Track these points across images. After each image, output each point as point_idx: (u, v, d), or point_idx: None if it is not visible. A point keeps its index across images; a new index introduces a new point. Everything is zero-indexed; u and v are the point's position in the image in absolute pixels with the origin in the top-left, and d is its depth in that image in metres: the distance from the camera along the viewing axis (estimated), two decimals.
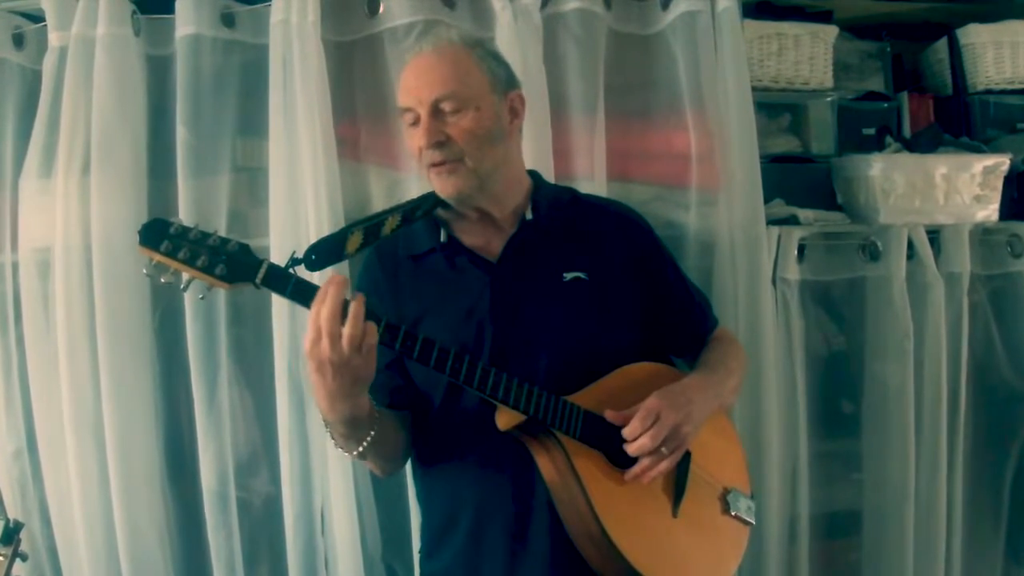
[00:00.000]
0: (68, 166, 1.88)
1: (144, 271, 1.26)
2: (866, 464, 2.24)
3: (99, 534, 1.92)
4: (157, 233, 1.25)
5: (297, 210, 1.89)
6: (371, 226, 1.44)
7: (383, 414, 1.42)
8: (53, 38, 1.90)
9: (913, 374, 2.15)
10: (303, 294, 1.27)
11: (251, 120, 1.94)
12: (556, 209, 1.56)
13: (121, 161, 1.90)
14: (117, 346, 1.89)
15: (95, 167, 1.87)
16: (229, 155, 1.94)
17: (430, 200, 1.51)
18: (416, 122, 1.44)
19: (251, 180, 1.98)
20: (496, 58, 1.52)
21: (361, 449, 1.39)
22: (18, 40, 1.98)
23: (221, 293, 1.87)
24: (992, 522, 2.34)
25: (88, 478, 1.91)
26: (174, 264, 1.25)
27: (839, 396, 2.26)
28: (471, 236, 1.53)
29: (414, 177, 1.91)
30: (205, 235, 1.27)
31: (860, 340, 2.24)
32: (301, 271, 1.31)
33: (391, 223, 1.47)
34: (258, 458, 2.01)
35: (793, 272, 2.11)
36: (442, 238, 1.52)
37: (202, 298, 1.30)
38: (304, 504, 1.92)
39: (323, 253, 1.37)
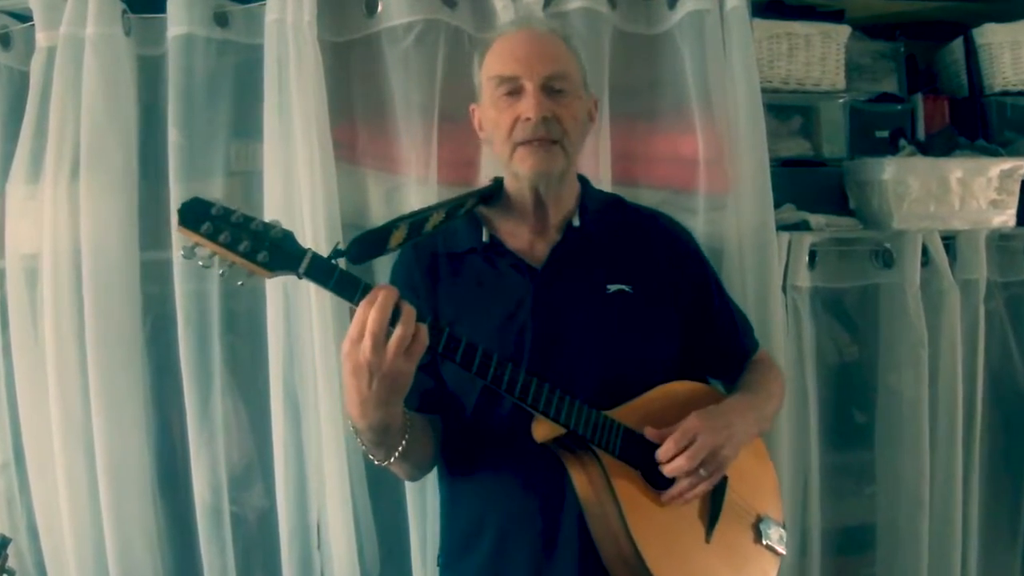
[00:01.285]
0: (56, 170, 1.85)
1: (180, 253, 1.22)
2: (880, 476, 2.20)
3: (88, 549, 1.88)
4: (198, 213, 1.19)
5: (293, 215, 1.84)
6: (416, 221, 1.41)
7: (414, 419, 1.38)
8: (41, 38, 1.87)
9: (928, 384, 2.12)
10: (346, 287, 1.23)
11: (245, 122, 1.91)
12: (603, 217, 1.53)
13: (111, 164, 1.86)
14: (107, 355, 1.85)
15: (84, 171, 1.84)
16: (222, 158, 1.91)
17: (475, 197, 1.48)
18: (513, 92, 1.42)
19: (245, 184, 1.94)
20: (580, 59, 1.51)
21: (393, 459, 1.35)
22: (5, 40, 1.95)
23: (216, 297, 1.89)
24: (1009, 535, 2.31)
25: (77, 491, 1.87)
26: (214, 247, 1.19)
27: (851, 406, 2.23)
28: (513, 238, 1.50)
29: (413, 181, 1.88)
30: (248, 219, 1.20)
31: (873, 349, 2.20)
32: (342, 263, 1.27)
33: (435, 219, 1.43)
34: (252, 470, 1.97)
35: (804, 279, 2.07)
36: (484, 238, 1.49)
37: (241, 284, 1.24)
38: (299, 518, 1.89)
39: (366, 246, 1.35)
